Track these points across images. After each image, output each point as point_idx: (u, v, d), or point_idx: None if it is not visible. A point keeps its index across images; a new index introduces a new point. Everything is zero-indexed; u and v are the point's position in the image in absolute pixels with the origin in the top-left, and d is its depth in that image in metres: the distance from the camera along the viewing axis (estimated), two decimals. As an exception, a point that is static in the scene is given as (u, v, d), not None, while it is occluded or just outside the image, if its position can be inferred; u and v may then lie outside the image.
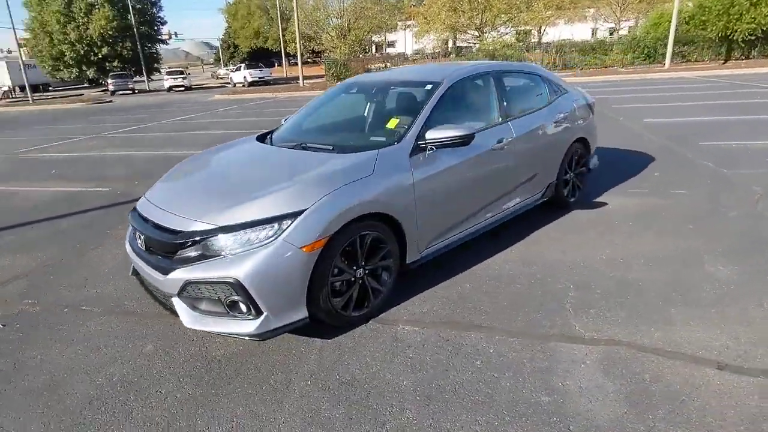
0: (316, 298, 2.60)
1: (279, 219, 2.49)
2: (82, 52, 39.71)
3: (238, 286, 2.37)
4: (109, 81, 36.47)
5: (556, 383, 2.28)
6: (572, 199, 4.68)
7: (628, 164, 6.04)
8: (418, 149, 3.08)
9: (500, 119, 3.83)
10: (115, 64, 41.19)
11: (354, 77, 4.50)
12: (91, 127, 14.69)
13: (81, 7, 38.82)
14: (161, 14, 45.39)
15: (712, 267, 3.31)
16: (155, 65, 45.75)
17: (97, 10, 38.96)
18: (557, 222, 4.33)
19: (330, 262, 2.61)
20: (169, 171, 3.58)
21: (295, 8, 28.96)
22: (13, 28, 29.84)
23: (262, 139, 3.84)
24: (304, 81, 30.25)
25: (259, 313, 2.43)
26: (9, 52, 53.73)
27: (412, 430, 2.06)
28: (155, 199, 2.97)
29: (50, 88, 47.01)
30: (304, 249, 2.47)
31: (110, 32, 39.40)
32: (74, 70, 40.78)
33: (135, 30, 39.34)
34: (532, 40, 35.21)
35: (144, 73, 41.25)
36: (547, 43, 31.13)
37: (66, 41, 39.09)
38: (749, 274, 3.18)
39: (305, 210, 2.54)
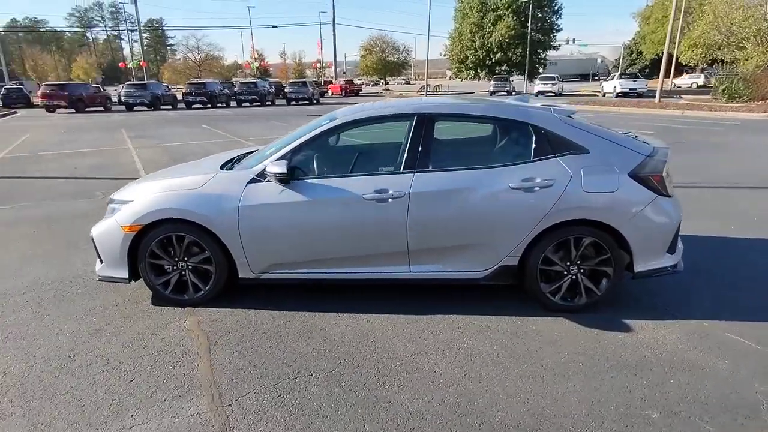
0: (136, 268, 3.40)
1: (120, 202, 3.43)
2: (481, 56, 46.48)
3: (93, 239, 3.49)
4: (492, 82, 41.42)
5: None
6: (568, 303, 3.25)
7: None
8: (262, 178, 3.24)
9: (399, 169, 3.23)
10: (503, 68, 46.24)
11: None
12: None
13: (491, 19, 45.19)
14: (559, 22, 47.26)
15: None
16: (538, 70, 48.40)
17: (502, 20, 44.38)
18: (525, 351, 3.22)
19: (146, 245, 3.33)
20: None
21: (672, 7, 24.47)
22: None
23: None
24: (675, 96, 25.74)
25: (100, 261, 3.48)
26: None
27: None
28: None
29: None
30: (123, 228, 3.32)
31: (507, 39, 44.30)
32: (471, 72, 48.31)
33: (529, 37, 42.77)
34: None
35: (525, 77, 44.55)
36: None
37: (471, 47, 46.57)
38: None
39: (131, 201, 3.36)
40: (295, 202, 3.20)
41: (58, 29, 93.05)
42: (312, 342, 2.98)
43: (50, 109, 25.32)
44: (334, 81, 49.50)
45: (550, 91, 36.67)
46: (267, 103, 30.15)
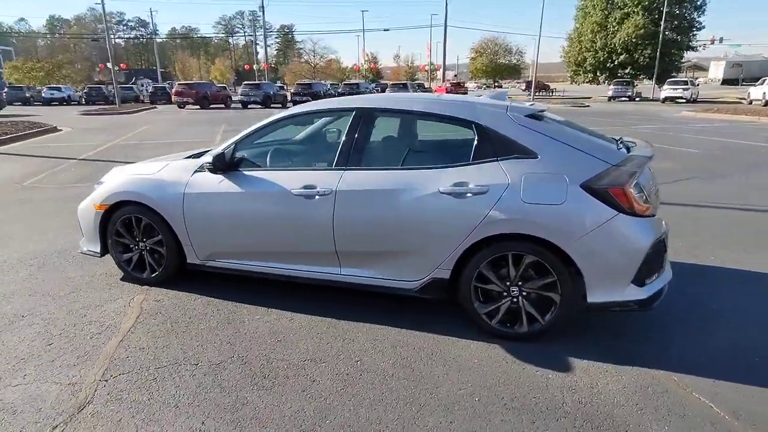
0: (106, 244, 3.69)
1: (98, 183, 3.75)
2: (601, 59, 42.81)
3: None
4: (611, 87, 38.00)
5: None
6: (507, 329, 2.81)
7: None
8: (205, 168, 3.32)
9: (331, 165, 3.06)
10: (627, 71, 42.11)
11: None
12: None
13: (616, 17, 41.41)
14: (701, 18, 41.73)
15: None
16: (672, 73, 43.19)
17: (630, 19, 40.41)
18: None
19: (113, 224, 3.59)
20: None
21: None
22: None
23: None
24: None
25: (82, 235, 3.84)
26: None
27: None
28: None
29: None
30: (95, 206, 3.63)
31: (633, 39, 40.23)
32: (589, 75, 44.72)
33: (661, 37, 38.34)
34: None
35: (653, 81, 40.06)
36: None
37: (591, 49, 43.11)
38: None
39: (104, 183, 3.65)
40: (230, 192, 3.22)
41: (206, 36, 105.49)
42: (222, 333, 2.99)
43: (181, 105, 28.79)
44: (440, 83, 49.29)
45: (681, 98, 32.47)
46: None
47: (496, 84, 69.48)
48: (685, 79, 35.99)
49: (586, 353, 2.74)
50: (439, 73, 56.70)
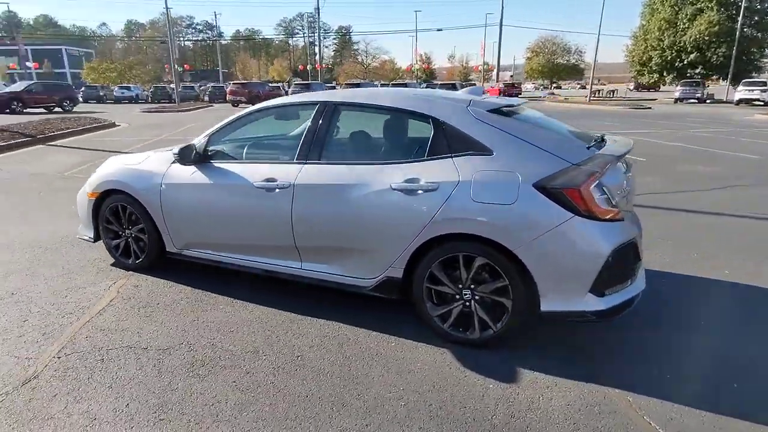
0: (98, 228, 3.88)
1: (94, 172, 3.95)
2: (669, 58, 40.22)
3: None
4: (678, 87, 35.61)
5: None
6: (459, 333, 2.68)
7: None
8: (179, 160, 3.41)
9: (293, 159, 3.03)
10: (697, 71, 39.29)
11: None
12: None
13: (687, 13, 38.75)
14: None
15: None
16: (753, 74, 39.74)
17: (703, 15, 37.68)
18: None
19: (103, 211, 3.77)
20: None
21: None
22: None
23: None
24: None
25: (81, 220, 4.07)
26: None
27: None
28: None
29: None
30: (88, 194, 3.83)
31: (706, 37, 37.47)
32: (655, 75, 42.10)
33: (738, 34, 35.40)
34: None
35: (728, 82, 37.09)
36: None
37: (658, 47, 40.58)
38: None
39: (97, 172, 3.84)
40: (199, 183, 3.30)
41: (268, 37, 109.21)
42: (181, 320, 3.06)
43: (235, 103, 29.99)
44: (494, 84, 48.21)
45: (758, 100, 29.84)
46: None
47: (554, 85, 67.01)
48: (764, 80, 32.90)
49: (540, 365, 2.56)
50: (494, 74, 55.48)
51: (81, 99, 32.02)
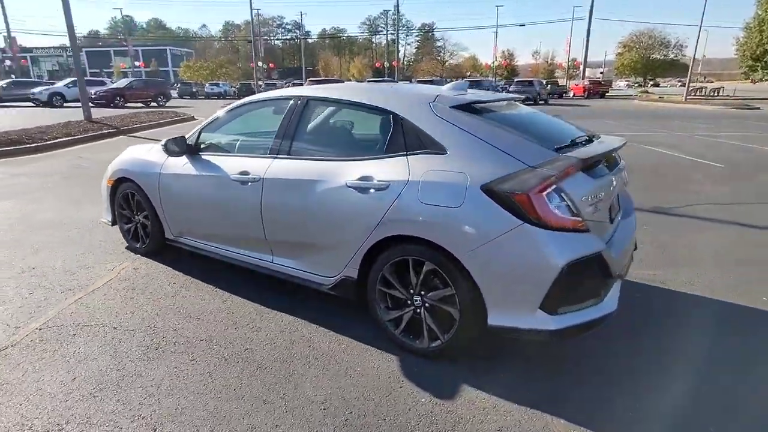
0: (114, 213, 4.19)
1: None
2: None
3: None
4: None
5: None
6: (411, 341, 2.55)
7: None
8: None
9: (266, 153, 3.02)
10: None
11: None
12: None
13: (814, 0, 33.91)
14: None
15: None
16: None
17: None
18: None
19: (117, 197, 4.06)
20: None
21: None
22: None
23: None
24: None
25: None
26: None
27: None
28: None
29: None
30: (107, 181, 4.14)
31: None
32: (766, 72, 37.32)
33: None
34: None
35: None
36: None
37: (774, 40, 35.95)
38: None
39: (115, 160, 4.13)
40: (187, 174, 3.43)
41: (352, 35, 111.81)
42: (159, 305, 3.19)
43: (310, 99, 31.09)
44: (578, 81, 45.49)
45: None
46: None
47: (650, 82, 61.76)
48: None
49: (487, 383, 2.35)
50: (580, 71, 52.36)
51: (176, 95, 34.94)
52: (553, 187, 2.16)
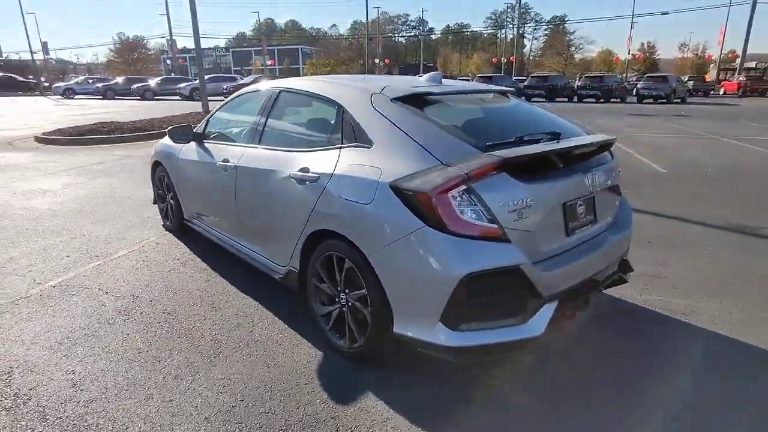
0: (155, 193, 4.67)
1: None
2: None
3: None
4: None
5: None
6: (337, 340, 2.45)
7: None
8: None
9: (248, 141, 3.10)
10: None
11: None
12: None
13: None
14: None
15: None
16: None
17: None
18: None
19: (155, 178, 4.53)
20: None
21: None
22: None
23: None
24: None
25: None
26: None
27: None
28: None
29: None
30: (150, 163, 4.62)
31: None
32: None
33: None
34: None
35: None
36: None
37: None
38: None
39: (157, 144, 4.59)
40: (191, 160, 3.70)
41: (475, 30, 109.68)
42: (154, 277, 3.50)
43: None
44: (735, 76, 39.13)
45: None
46: (612, 99, 27.37)
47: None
48: None
49: (397, 395, 2.19)
50: (737, 64, 44.89)
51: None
52: (462, 188, 1.91)
